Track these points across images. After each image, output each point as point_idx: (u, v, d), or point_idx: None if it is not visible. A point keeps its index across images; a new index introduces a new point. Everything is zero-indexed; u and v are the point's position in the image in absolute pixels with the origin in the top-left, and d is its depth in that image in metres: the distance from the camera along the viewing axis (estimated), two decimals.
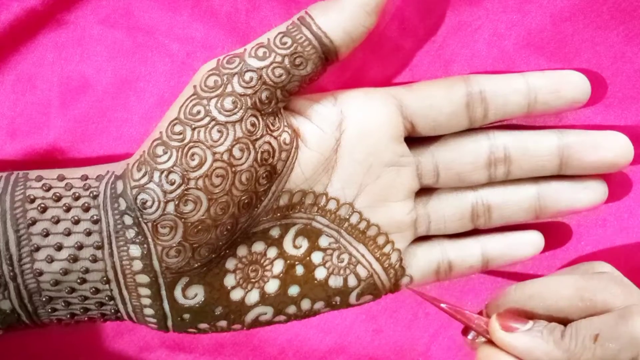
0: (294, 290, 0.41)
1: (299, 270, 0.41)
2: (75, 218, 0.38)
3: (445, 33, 0.45)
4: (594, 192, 0.44)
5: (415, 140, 0.43)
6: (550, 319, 0.38)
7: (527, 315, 0.39)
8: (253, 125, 0.38)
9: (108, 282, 0.38)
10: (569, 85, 0.42)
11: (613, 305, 0.37)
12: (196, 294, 0.40)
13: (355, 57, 0.42)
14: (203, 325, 0.41)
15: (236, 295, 0.40)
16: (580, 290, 0.38)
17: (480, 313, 0.41)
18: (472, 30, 0.45)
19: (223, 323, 0.41)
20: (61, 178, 0.39)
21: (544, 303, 0.38)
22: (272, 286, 0.41)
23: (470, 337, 0.41)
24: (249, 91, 0.38)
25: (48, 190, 0.38)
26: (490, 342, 0.39)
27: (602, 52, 0.44)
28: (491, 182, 0.44)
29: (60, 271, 0.38)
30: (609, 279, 0.39)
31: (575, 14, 0.44)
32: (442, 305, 0.40)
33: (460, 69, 0.45)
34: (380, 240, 0.42)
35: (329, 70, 0.41)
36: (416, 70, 0.45)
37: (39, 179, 0.39)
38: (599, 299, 0.37)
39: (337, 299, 0.42)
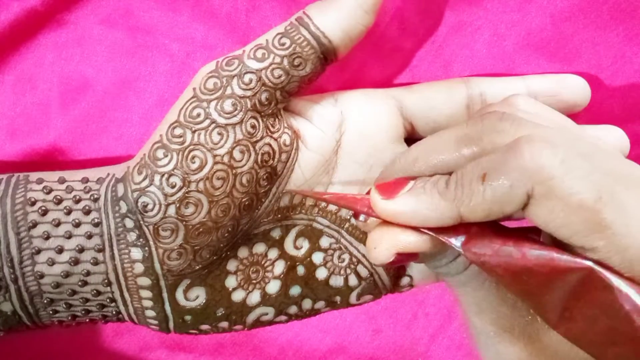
0: (295, 291, 0.41)
1: (300, 270, 0.41)
2: (76, 221, 0.38)
3: (445, 33, 0.45)
4: None
5: (415, 140, 0.42)
6: None
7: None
8: (253, 127, 0.38)
9: (109, 284, 0.38)
10: (569, 89, 0.42)
11: (503, 144, 0.32)
12: (198, 296, 0.40)
13: (355, 57, 0.42)
14: (204, 327, 0.41)
15: (237, 296, 0.40)
16: (463, 138, 0.33)
17: (368, 193, 0.37)
18: (472, 30, 0.45)
19: (224, 324, 0.41)
20: (62, 180, 0.39)
21: (429, 162, 0.34)
22: (273, 287, 0.41)
23: (361, 219, 0.37)
24: (249, 93, 0.38)
25: (49, 193, 0.38)
26: (383, 223, 0.35)
27: (602, 52, 0.44)
28: None
29: (62, 274, 0.38)
30: (496, 117, 0.34)
31: (575, 14, 0.44)
32: (326, 196, 0.37)
33: (460, 69, 0.45)
34: None
35: (329, 70, 0.41)
36: (416, 70, 0.45)
37: (40, 181, 0.39)
38: (486, 142, 0.33)
39: (338, 298, 0.42)
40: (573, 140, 0.32)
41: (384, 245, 0.34)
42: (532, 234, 0.34)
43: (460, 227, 0.33)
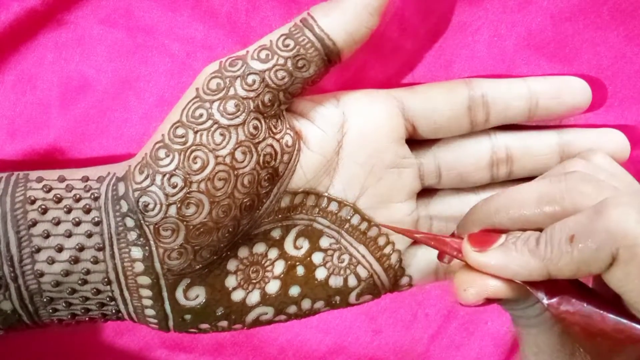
0: (294, 291, 0.42)
1: (300, 270, 0.42)
2: (76, 220, 0.38)
3: (446, 33, 0.45)
4: None
5: (417, 141, 0.43)
6: (524, 230, 0.36)
7: (501, 231, 0.37)
8: (255, 128, 0.38)
9: (109, 283, 0.38)
10: (570, 91, 0.42)
11: (584, 205, 0.34)
12: (197, 295, 0.40)
13: (355, 57, 0.42)
14: (204, 326, 0.41)
15: (237, 296, 0.41)
16: (545, 197, 0.35)
17: (452, 235, 0.40)
18: (473, 31, 0.45)
19: (224, 323, 0.41)
20: (62, 179, 0.39)
21: (510, 215, 0.36)
22: (273, 287, 0.41)
23: (446, 261, 0.40)
24: (252, 94, 0.38)
25: (49, 191, 0.38)
26: (468, 265, 0.37)
27: (602, 52, 0.44)
28: (492, 184, 0.44)
29: (61, 272, 0.38)
30: (577, 178, 0.36)
31: (576, 14, 0.44)
32: (417, 235, 0.40)
33: (460, 69, 0.45)
34: (381, 241, 0.42)
35: (330, 70, 0.41)
36: (416, 70, 0.45)
37: (40, 180, 0.39)
38: (568, 202, 0.35)
39: (337, 298, 0.42)
40: None
41: (474, 289, 0.36)
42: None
43: (545, 280, 0.35)
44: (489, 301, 0.36)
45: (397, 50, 0.45)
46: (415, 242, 0.44)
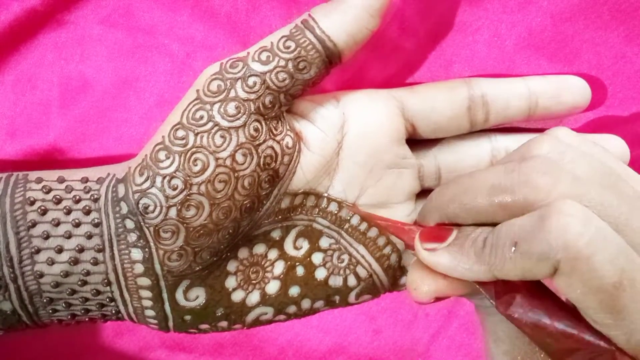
0: (294, 291, 0.41)
1: (300, 271, 0.42)
2: (76, 221, 0.38)
3: (446, 33, 0.45)
4: None
5: (417, 142, 0.43)
6: (479, 223, 0.35)
7: (455, 224, 0.36)
8: (256, 130, 0.38)
9: (109, 284, 0.38)
10: (569, 91, 0.42)
11: (536, 202, 0.32)
12: (197, 296, 0.40)
13: (355, 57, 0.42)
14: (204, 326, 0.41)
15: (237, 296, 0.40)
16: (497, 187, 0.33)
17: (415, 223, 0.39)
18: (473, 31, 0.45)
19: (224, 323, 0.41)
20: (61, 180, 0.39)
21: (463, 205, 0.35)
22: (272, 287, 0.41)
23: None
24: (253, 96, 0.38)
25: (48, 192, 0.38)
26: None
27: (602, 52, 0.44)
28: None
29: (61, 273, 0.38)
30: (533, 168, 0.33)
31: (576, 14, 0.44)
32: (377, 221, 0.40)
33: (460, 69, 0.45)
34: (381, 241, 0.42)
35: (330, 71, 0.40)
36: (416, 70, 0.45)
37: (39, 180, 0.39)
38: (519, 195, 0.32)
39: (337, 298, 0.42)
40: (610, 198, 0.32)
41: (424, 288, 0.36)
42: None
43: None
44: (440, 299, 0.37)
45: (397, 50, 0.45)
46: None
